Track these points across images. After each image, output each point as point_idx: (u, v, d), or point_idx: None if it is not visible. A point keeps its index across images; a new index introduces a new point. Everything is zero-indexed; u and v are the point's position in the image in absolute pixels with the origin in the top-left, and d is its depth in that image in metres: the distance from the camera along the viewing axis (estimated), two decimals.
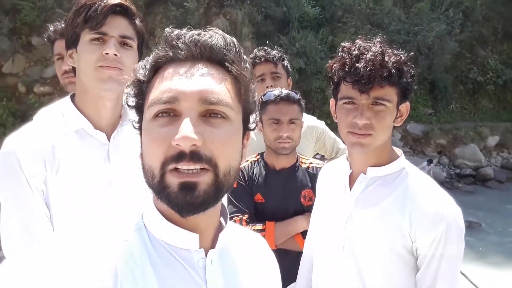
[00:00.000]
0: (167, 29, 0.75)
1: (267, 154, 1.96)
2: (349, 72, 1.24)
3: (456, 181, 11.68)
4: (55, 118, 1.29)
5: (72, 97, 1.33)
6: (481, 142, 12.99)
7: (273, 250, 0.94)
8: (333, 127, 1.89)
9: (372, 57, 1.22)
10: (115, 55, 1.22)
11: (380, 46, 1.26)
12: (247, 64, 0.77)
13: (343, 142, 1.91)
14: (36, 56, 9.21)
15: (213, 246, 0.77)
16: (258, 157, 1.99)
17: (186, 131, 0.65)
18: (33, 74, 9.15)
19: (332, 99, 1.39)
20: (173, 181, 0.67)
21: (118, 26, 1.25)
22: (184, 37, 0.73)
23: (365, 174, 1.35)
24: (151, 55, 0.75)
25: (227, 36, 0.75)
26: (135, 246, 0.72)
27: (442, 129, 12.97)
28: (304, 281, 1.58)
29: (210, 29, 0.75)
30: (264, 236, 1.59)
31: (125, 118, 1.35)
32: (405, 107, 1.34)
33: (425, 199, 1.26)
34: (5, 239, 1.18)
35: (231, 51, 0.74)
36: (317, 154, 2.50)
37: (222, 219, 0.81)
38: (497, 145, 13.22)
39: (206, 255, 0.75)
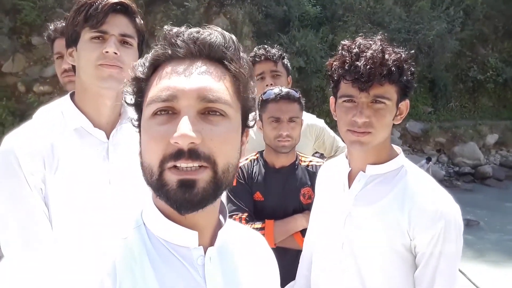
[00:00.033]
0: (165, 27, 0.75)
1: (266, 152, 1.96)
2: (349, 70, 1.24)
3: (455, 179, 11.67)
4: (54, 117, 1.29)
5: (72, 96, 1.33)
6: (480, 140, 12.97)
7: (272, 249, 0.94)
8: (333, 125, 1.89)
9: (372, 55, 1.22)
10: (115, 53, 1.23)
11: (380, 44, 1.26)
12: (246, 61, 0.77)
13: (343, 140, 1.91)
14: (36, 56, 9.19)
15: (212, 243, 0.77)
16: (257, 155, 1.99)
17: (185, 129, 0.65)
18: (33, 73, 9.14)
19: (331, 97, 1.40)
20: (172, 178, 0.67)
21: (118, 25, 1.25)
22: (183, 34, 0.73)
23: (364, 172, 1.35)
24: (150, 53, 0.75)
25: (226, 33, 0.75)
26: (134, 243, 0.72)
27: (442, 128, 12.95)
28: (303, 279, 1.59)
29: (209, 27, 0.75)
30: (263, 234, 1.59)
31: (124, 116, 1.35)
32: (405, 105, 1.34)
33: (424, 197, 1.26)
34: (4, 238, 1.18)
35: (230, 49, 0.74)
36: (316, 152, 2.50)
37: (221, 217, 0.81)
38: (496, 143, 13.20)
39: (205, 253, 0.75)
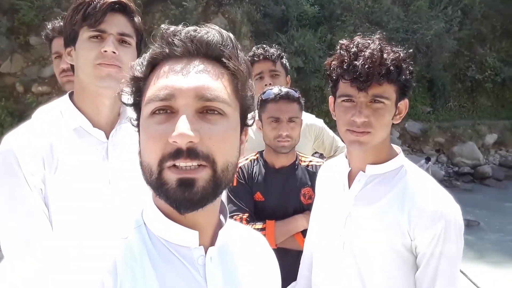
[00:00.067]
0: (163, 26, 0.75)
1: (266, 152, 1.96)
2: (347, 69, 1.24)
3: (455, 179, 11.68)
4: (53, 117, 1.29)
5: (71, 96, 1.33)
6: (479, 140, 12.99)
7: (273, 249, 0.94)
8: (332, 125, 1.89)
9: (371, 54, 1.21)
10: (114, 52, 1.22)
11: (378, 43, 1.25)
12: (244, 59, 0.77)
13: (342, 140, 1.91)
14: (34, 56, 9.18)
15: (212, 243, 0.76)
16: (257, 155, 1.99)
17: (183, 128, 0.65)
18: (31, 73, 9.13)
19: (330, 96, 1.39)
20: (171, 177, 0.67)
21: (116, 24, 1.25)
22: (180, 33, 0.72)
23: (364, 172, 1.34)
24: (148, 52, 0.75)
25: (224, 31, 0.75)
26: (134, 243, 0.71)
27: (441, 127, 12.97)
28: (305, 280, 1.58)
29: (206, 25, 0.75)
30: (264, 235, 1.59)
31: (123, 116, 1.35)
32: (404, 104, 1.33)
33: (424, 196, 1.26)
34: (3, 238, 1.18)
35: (228, 47, 0.74)
36: (315, 152, 2.50)
37: (222, 217, 0.81)
38: (495, 143, 13.23)
39: (205, 253, 0.75)
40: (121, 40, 1.26)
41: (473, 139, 12.83)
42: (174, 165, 0.67)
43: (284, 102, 1.85)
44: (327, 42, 11.67)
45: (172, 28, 0.74)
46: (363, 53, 1.22)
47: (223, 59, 0.73)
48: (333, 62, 1.31)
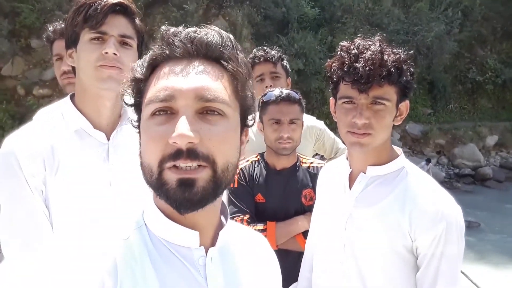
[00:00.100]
0: (163, 27, 0.75)
1: (267, 154, 1.96)
2: (348, 71, 1.24)
3: (455, 181, 11.67)
4: (54, 118, 1.29)
5: (72, 97, 1.33)
6: (480, 142, 12.98)
7: (274, 250, 0.94)
8: (333, 127, 1.89)
9: (371, 56, 1.21)
10: (115, 54, 1.22)
11: (379, 45, 1.25)
12: (244, 60, 0.77)
13: (343, 142, 1.91)
14: (35, 59, 9.20)
15: (213, 244, 0.77)
16: (258, 157, 1.99)
17: (183, 129, 0.65)
18: (32, 76, 9.14)
19: (331, 98, 1.39)
20: (171, 177, 0.67)
21: (118, 25, 1.25)
22: (180, 34, 0.73)
23: (365, 173, 1.34)
24: (148, 53, 0.75)
25: (224, 32, 0.75)
26: (135, 244, 0.71)
27: (441, 129, 12.96)
28: (306, 281, 1.58)
29: (206, 26, 0.75)
30: (265, 236, 1.58)
31: (124, 117, 1.35)
32: (405, 105, 1.33)
33: (425, 198, 1.26)
34: (4, 239, 1.18)
35: (228, 48, 0.74)
36: (316, 154, 2.50)
37: (222, 218, 0.81)
38: (496, 144, 13.21)
39: (206, 253, 0.75)
40: (122, 42, 1.26)
41: (473, 141, 12.82)
42: (174, 166, 0.67)
43: (285, 104, 1.85)
44: (328, 44, 11.68)
45: (172, 29, 0.74)
46: (363, 54, 1.22)
47: (223, 60, 0.73)
48: (334, 64, 1.31)
